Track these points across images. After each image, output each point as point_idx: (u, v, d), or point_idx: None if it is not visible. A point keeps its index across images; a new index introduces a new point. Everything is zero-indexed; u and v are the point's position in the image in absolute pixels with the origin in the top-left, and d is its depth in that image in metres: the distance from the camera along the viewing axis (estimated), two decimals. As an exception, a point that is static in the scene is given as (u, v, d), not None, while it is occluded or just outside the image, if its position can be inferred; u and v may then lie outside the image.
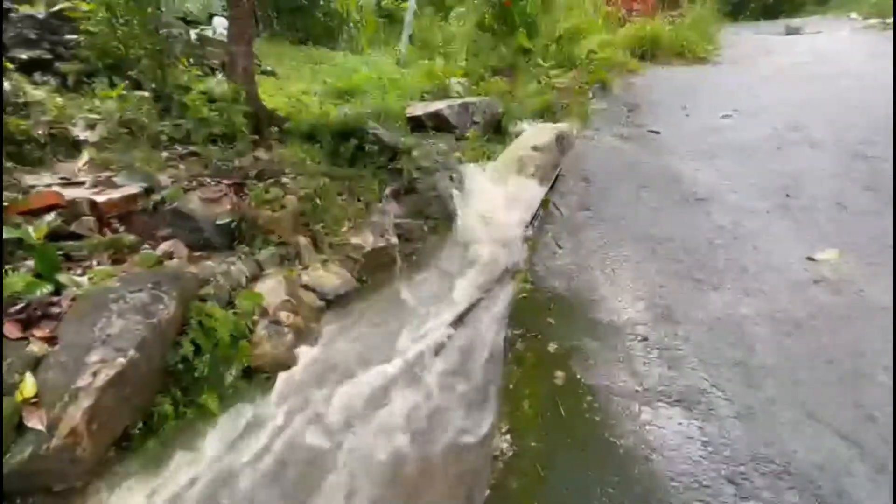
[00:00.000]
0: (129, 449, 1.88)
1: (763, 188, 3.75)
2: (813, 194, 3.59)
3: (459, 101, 5.52)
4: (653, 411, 1.96)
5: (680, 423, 1.91)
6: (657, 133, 5.03)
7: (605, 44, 7.76)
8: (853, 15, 11.24)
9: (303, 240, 3.35)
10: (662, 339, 2.35)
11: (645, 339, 2.36)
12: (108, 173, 3.20)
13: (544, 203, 3.92)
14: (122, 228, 2.83)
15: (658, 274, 2.86)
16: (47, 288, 2.10)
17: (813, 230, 3.20)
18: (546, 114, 5.57)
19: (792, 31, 9.99)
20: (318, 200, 3.59)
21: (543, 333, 2.44)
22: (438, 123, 5.21)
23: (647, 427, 1.89)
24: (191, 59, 4.81)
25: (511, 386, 2.13)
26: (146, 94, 4.16)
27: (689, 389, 2.06)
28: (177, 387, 2.11)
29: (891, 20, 9.34)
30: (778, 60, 7.64)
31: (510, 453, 1.80)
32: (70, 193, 2.78)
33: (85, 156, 3.37)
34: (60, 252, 2.40)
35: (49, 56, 4.47)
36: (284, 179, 3.70)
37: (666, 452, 1.78)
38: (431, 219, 3.98)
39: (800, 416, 1.92)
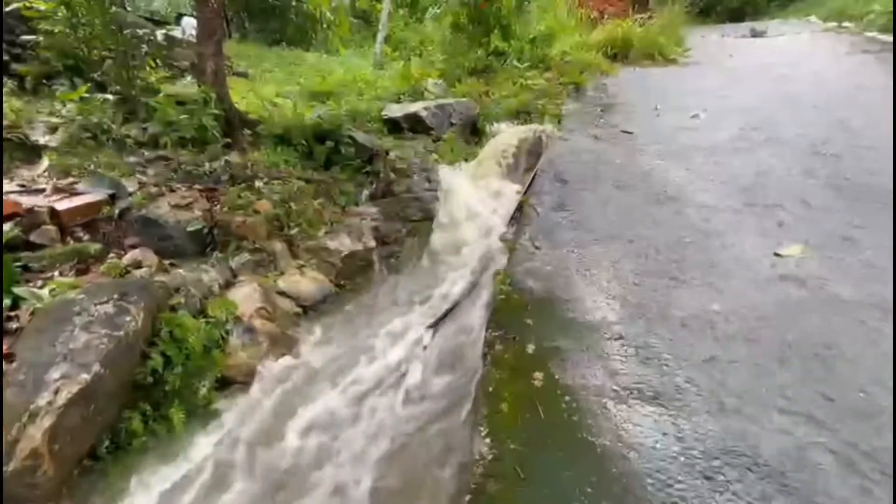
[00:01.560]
0: (96, 468, 1.80)
1: (731, 186, 3.86)
2: (778, 192, 3.72)
3: (436, 102, 5.52)
4: (629, 409, 2.00)
5: (656, 421, 1.94)
6: (630, 133, 5.13)
7: (578, 45, 7.89)
8: (813, 18, 11.73)
9: (278, 245, 3.28)
10: (637, 338, 2.39)
11: (621, 337, 2.40)
12: (70, 180, 3.08)
13: (521, 204, 3.95)
14: (85, 237, 2.72)
15: (632, 272, 2.91)
16: (4, 301, 2.00)
17: (778, 226, 3.31)
18: (522, 115, 5.62)
19: (756, 34, 10.36)
20: (292, 204, 3.52)
21: (522, 334, 2.45)
22: (415, 125, 5.20)
23: (624, 425, 1.92)
24: (158, 61, 4.67)
25: (490, 388, 2.14)
26: (110, 96, 4.02)
27: (663, 386, 2.10)
28: (146, 401, 2.04)
29: (847, 24, 9.77)
30: (743, 62, 7.90)
31: (489, 457, 1.80)
32: (29, 201, 2.66)
33: (45, 161, 3.23)
34: (18, 263, 2.29)
35: (5, 57, 4.27)
36: (258, 183, 3.63)
37: (642, 450, 1.81)
38: (409, 221, 3.96)
39: (769, 409, 1.98)
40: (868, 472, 1.71)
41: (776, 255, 3.02)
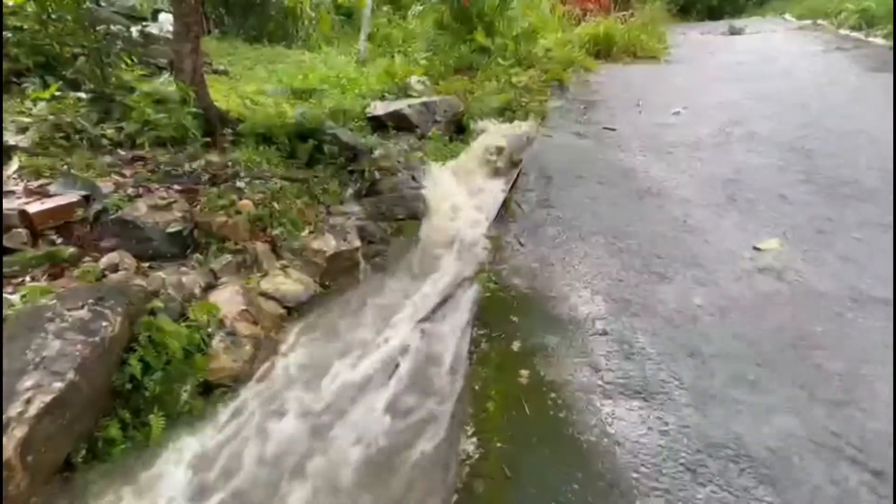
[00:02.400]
0: (72, 479, 1.75)
1: (711, 182, 3.93)
2: (756, 187, 3.80)
3: (420, 100, 5.49)
4: (614, 404, 2.02)
5: (640, 415, 1.97)
6: (613, 130, 5.18)
7: (561, 42, 7.93)
8: (788, 16, 11.99)
9: (261, 246, 3.23)
10: (622, 333, 2.42)
11: (605, 333, 2.43)
12: (42, 181, 2.98)
13: (506, 201, 3.95)
14: (59, 241, 2.64)
15: (615, 268, 2.94)
16: (-28, 309, 1.92)
17: (757, 220, 3.37)
18: (506, 112, 5.62)
19: (735, 32, 10.54)
20: (275, 204, 3.47)
21: (507, 332, 2.46)
22: (400, 123, 5.16)
23: (610, 420, 1.94)
24: (134, 58, 4.55)
25: (476, 387, 2.14)
26: (84, 95, 3.90)
27: (647, 381, 2.13)
28: (125, 408, 1.98)
29: (821, 21, 10.01)
30: (722, 59, 8.04)
31: (476, 456, 1.80)
32: (-2, 204, 2.57)
33: (15, 162, 3.12)
34: (-13, 269, 2.21)
35: (-30, 54, 4.10)
36: (239, 183, 3.57)
37: (627, 445, 1.83)
38: (395, 220, 3.93)
39: (750, 400, 2.02)
40: (845, 461, 1.76)
41: (755, 248, 3.08)
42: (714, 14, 15.23)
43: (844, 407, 1.98)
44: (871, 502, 1.62)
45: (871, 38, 7.94)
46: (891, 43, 7.42)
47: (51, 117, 3.49)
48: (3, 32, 4.05)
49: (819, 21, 10.14)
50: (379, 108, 5.30)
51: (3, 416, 1.54)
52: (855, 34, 8.45)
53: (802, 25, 10.42)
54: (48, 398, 1.62)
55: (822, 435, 1.86)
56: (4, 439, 1.54)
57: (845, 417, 1.93)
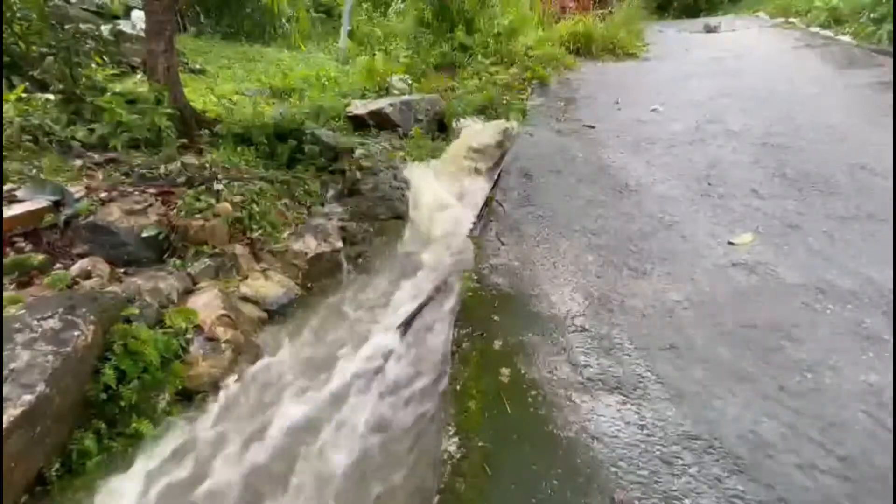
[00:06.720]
0: (45, 494, 1.71)
1: (687, 178, 4.01)
2: (730, 182, 3.88)
3: (402, 98, 5.48)
4: (593, 400, 2.05)
5: (618, 410, 2.00)
6: (592, 127, 5.24)
7: (541, 40, 7.97)
8: (761, 14, 12.25)
9: (240, 248, 3.19)
10: (600, 329, 2.46)
11: (584, 329, 2.46)
12: (8, 186, 2.89)
13: (488, 199, 3.97)
14: (27, 247, 2.57)
15: (594, 265, 2.99)
16: (-65, 321, 1.86)
17: (731, 215, 3.45)
18: (487, 110, 5.65)
19: (710, 29, 10.73)
20: (254, 206, 3.43)
21: (489, 331, 2.48)
22: (381, 122, 5.14)
23: (588, 416, 1.97)
24: (105, 57, 4.43)
25: (458, 387, 2.15)
26: (52, 96, 3.79)
27: (625, 376, 2.17)
28: (100, 419, 1.95)
29: (793, 19, 10.26)
30: (698, 56, 8.18)
31: (458, 455, 1.81)
32: (-39, 211, 2.49)
33: (-21, 167, 3.02)
34: (-49, 279, 2.14)
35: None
36: (217, 185, 3.51)
37: (606, 440, 1.87)
38: (377, 220, 3.92)
39: (723, 392, 2.08)
40: (813, 449, 1.82)
41: (729, 243, 3.15)
42: (690, 12, 15.49)
43: (813, 396, 2.05)
44: (838, 488, 1.68)
45: (839, 36, 8.17)
46: (857, 41, 7.65)
47: (17, 119, 3.39)
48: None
49: (791, 19, 10.40)
50: (360, 107, 5.27)
51: (-30, 432, 1.50)
52: (824, 32, 8.68)
53: (775, 23, 10.66)
54: (17, 412, 1.58)
55: (790, 423, 1.92)
56: (-28, 455, 1.50)
57: (813, 406, 2.00)
